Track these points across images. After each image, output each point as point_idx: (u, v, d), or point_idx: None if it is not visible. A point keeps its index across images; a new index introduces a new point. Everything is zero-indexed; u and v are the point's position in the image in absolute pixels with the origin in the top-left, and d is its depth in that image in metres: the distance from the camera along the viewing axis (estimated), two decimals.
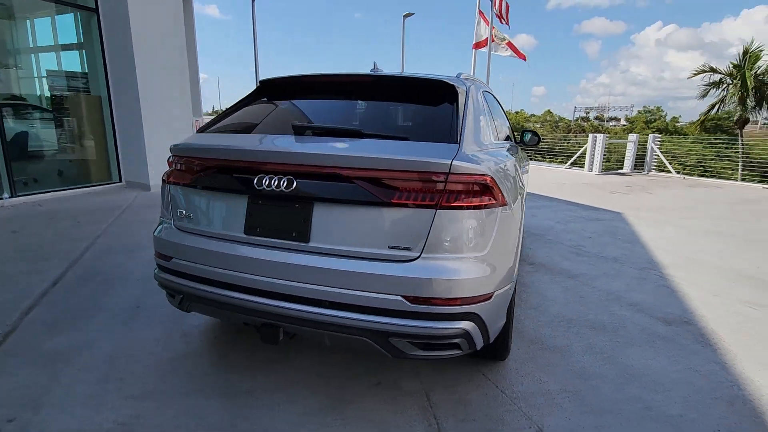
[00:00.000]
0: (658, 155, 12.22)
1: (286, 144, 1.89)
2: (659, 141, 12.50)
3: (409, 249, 1.66)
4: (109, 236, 4.77)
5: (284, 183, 1.71)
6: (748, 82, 15.05)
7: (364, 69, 2.58)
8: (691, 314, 3.13)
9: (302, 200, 1.71)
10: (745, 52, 15.73)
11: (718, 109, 17.00)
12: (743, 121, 16.09)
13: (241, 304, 1.81)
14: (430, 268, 1.64)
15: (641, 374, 2.34)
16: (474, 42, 14.75)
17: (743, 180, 11.42)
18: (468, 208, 1.65)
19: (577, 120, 53.02)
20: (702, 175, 12.14)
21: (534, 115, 54.21)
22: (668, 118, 44.27)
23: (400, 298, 1.63)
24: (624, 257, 4.48)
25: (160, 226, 2.14)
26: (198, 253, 1.91)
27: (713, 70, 15.77)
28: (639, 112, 52.22)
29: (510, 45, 14.56)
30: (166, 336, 2.63)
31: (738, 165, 12.11)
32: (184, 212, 2.01)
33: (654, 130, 32.90)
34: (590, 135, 12.30)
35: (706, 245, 5.02)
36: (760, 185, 10.15)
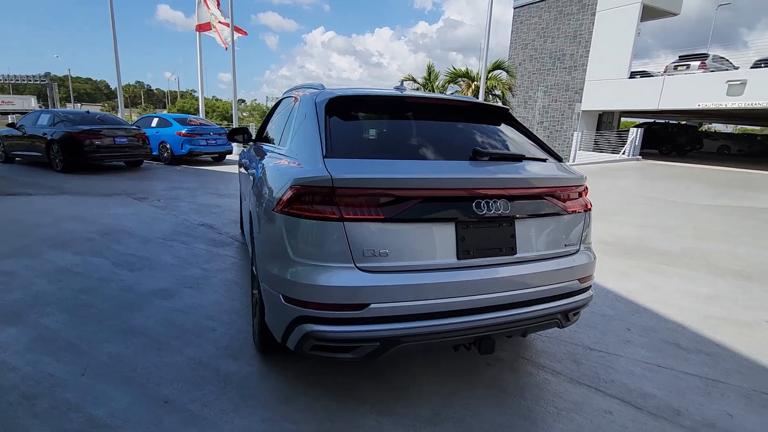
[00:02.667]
0: None
1: (490, 170, 1.96)
2: None
3: (575, 245, 2.12)
4: None
5: (498, 206, 1.85)
6: (435, 92, 19.10)
7: None
8: None
9: (508, 218, 1.90)
10: (429, 71, 18.82)
11: None
12: None
13: (456, 327, 1.79)
14: (588, 255, 2.15)
15: None
16: (197, 24, 14.40)
17: None
18: (590, 209, 2.24)
19: (267, 108, 57.48)
20: None
21: (219, 100, 54.29)
22: None
23: (576, 281, 2.06)
24: None
25: (329, 274, 1.70)
26: (405, 290, 1.72)
27: (413, 80, 18.43)
28: None
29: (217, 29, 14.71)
30: None
31: None
32: (374, 251, 1.71)
33: None
34: None
35: None
36: None
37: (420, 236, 1.78)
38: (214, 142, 12.16)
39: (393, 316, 1.72)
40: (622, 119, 22.92)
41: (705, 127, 34.34)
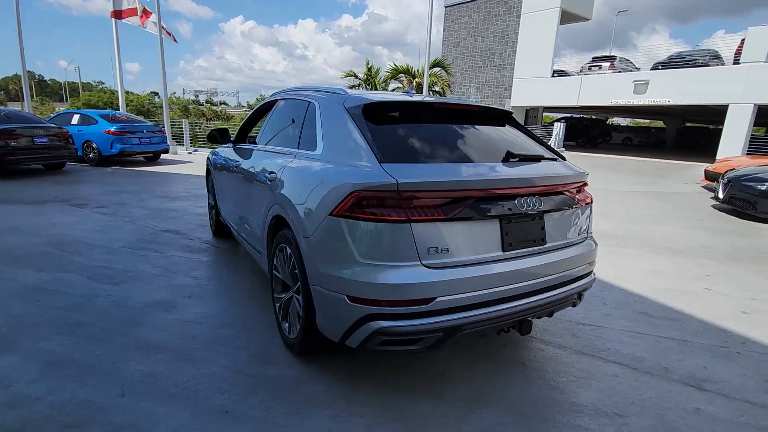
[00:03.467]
0: None
1: (521, 170, 2.15)
2: None
3: (585, 233, 2.42)
4: None
5: (532, 202, 2.08)
6: (378, 88, 18.04)
7: None
8: None
9: (539, 213, 2.13)
10: (369, 67, 19.12)
11: None
12: None
13: (504, 313, 1.98)
14: (592, 242, 2.47)
15: None
16: (112, 10, 13.34)
17: None
18: (592, 201, 2.56)
19: (189, 102, 53.41)
20: None
21: (130, 92, 49.69)
22: None
23: (587, 265, 2.37)
24: None
25: (398, 273, 1.80)
26: (464, 283, 1.87)
27: (355, 75, 18.54)
28: (257, 99, 57.75)
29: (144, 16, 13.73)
30: None
31: None
32: (437, 248, 1.84)
33: None
34: None
35: None
36: None
37: (473, 233, 1.95)
38: (148, 140, 11.27)
39: (455, 307, 1.87)
40: (544, 114, 24.91)
41: (609, 121, 38.43)
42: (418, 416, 1.98)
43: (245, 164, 3.31)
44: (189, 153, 15.08)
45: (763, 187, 6.71)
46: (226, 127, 5.11)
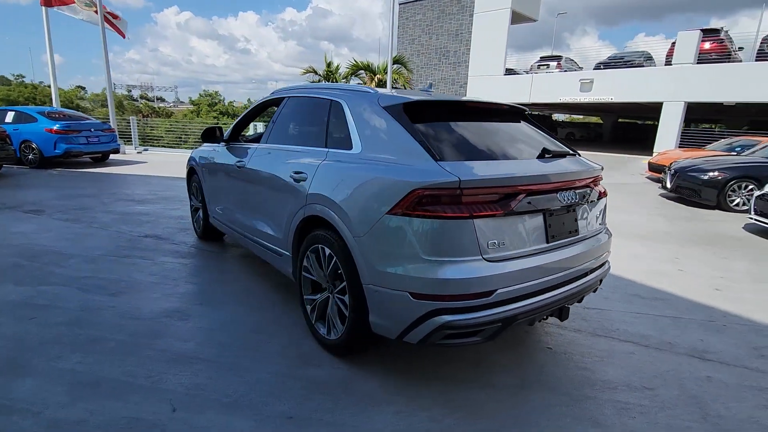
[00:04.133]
0: None
1: (560, 167, 2.29)
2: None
3: (603, 224, 2.62)
4: None
5: (569, 195, 2.22)
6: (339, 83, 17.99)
7: None
8: None
9: (573, 205, 2.27)
10: (329, 65, 18.76)
11: None
12: None
13: (550, 301, 2.11)
14: (609, 232, 2.67)
15: None
16: None
17: None
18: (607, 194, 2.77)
19: (123, 97, 51.87)
20: None
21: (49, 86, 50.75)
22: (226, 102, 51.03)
23: (606, 253, 2.57)
24: None
25: (462, 268, 1.86)
26: (520, 274, 1.97)
27: (314, 72, 18.04)
28: (200, 95, 56.64)
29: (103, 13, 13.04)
30: None
31: None
32: (496, 242, 1.93)
33: (218, 112, 37.89)
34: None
35: None
36: None
37: (524, 226, 2.06)
38: (96, 139, 10.42)
39: (512, 298, 1.96)
40: None
41: (553, 117, 40.70)
42: (476, 404, 2.06)
43: (253, 163, 3.20)
44: (139, 153, 14.14)
45: (706, 177, 7.47)
46: (220, 125, 4.88)
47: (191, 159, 4.58)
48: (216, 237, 4.59)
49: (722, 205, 7.29)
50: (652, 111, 17.94)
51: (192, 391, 2.04)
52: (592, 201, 2.44)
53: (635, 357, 2.59)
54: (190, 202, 4.85)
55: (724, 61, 15.08)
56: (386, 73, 16.13)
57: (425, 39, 22.77)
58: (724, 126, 24.19)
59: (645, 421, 2.00)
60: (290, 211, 2.65)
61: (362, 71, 16.53)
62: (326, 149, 2.55)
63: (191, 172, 4.63)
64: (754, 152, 8.63)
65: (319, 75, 17.00)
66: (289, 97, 3.26)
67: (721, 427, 1.99)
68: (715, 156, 9.15)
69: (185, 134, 16.89)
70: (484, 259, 1.90)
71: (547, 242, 2.14)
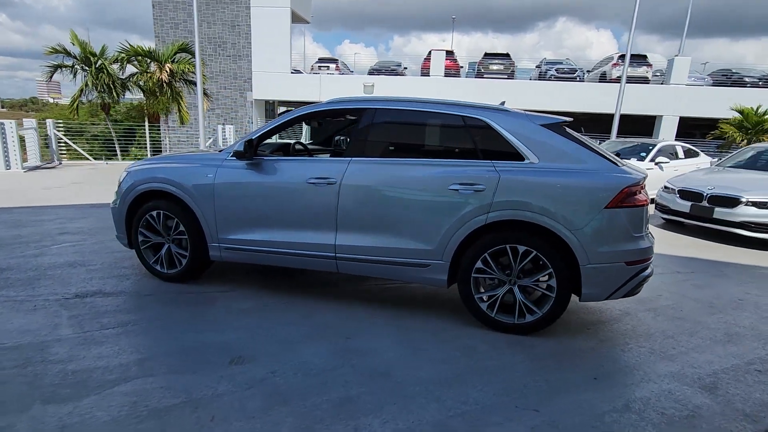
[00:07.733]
0: (66, 142, 12.07)
1: (642, 171, 3.08)
2: (61, 127, 12.10)
3: None
4: None
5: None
6: (108, 71, 13.55)
7: None
8: None
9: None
10: (83, 44, 13.81)
11: (85, 94, 14.11)
12: (107, 106, 15.01)
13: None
14: None
15: None
16: None
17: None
18: None
19: None
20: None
21: None
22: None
23: None
24: None
25: (646, 239, 2.81)
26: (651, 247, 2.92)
27: (66, 53, 13.45)
28: None
29: None
30: None
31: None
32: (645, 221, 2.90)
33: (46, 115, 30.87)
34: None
35: None
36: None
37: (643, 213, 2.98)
38: None
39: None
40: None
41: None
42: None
43: (357, 179, 2.98)
44: None
45: None
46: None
47: (149, 180, 3.43)
48: (201, 272, 3.65)
49: None
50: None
51: (343, 402, 2.08)
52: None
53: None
54: (137, 239, 3.57)
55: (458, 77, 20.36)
56: (173, 62, 13.99)
57: (193, 26, 20.40)
58: None
59: None
60: (455, 221, 2.78)
61: (138, 57, 13.62)
62: (490, 162, 2.80)
63: (149, 198, 3.46)
64: None
65: (72, 56, 13.05)
66: (377, 109, 3.11)
67: None
68: None
69: None
70: (643, 236, 2.85)
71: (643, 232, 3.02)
